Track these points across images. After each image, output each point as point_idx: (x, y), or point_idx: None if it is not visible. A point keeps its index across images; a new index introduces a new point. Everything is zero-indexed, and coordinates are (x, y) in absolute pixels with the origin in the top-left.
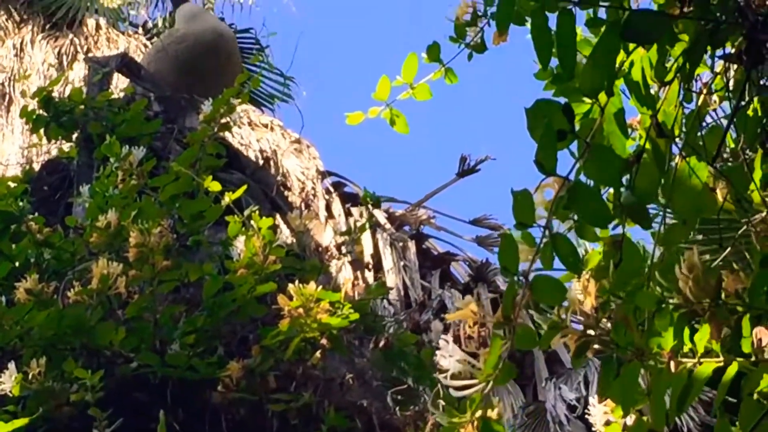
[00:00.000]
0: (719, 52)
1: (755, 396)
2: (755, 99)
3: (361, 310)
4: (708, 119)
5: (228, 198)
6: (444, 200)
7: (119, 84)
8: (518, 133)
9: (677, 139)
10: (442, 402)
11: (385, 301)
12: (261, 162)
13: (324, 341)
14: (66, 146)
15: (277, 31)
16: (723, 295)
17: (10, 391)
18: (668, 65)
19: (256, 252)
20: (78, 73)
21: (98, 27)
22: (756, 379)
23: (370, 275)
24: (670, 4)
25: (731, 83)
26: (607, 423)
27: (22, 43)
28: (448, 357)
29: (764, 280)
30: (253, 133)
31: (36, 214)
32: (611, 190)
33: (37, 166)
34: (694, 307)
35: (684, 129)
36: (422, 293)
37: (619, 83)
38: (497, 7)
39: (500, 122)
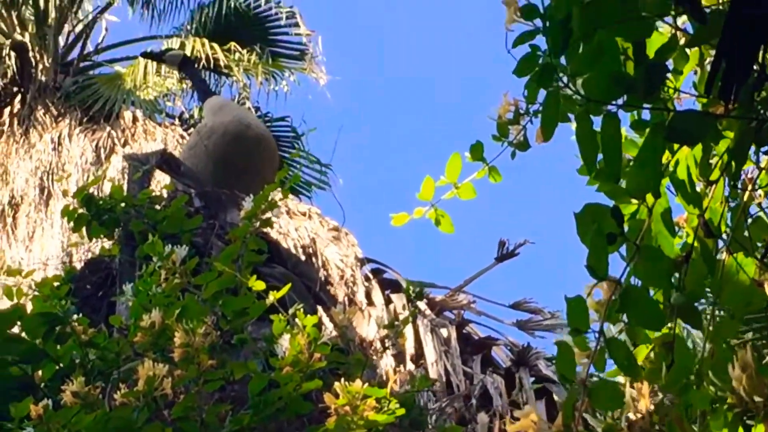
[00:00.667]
0: (764, 147)
1: None
2: None
3: (406, 405)
4: (753, 209)
5: (272, 297)
6: (483, 285)
7: (158, 177)
8: (556, 217)
9: (723, 235)
10: None
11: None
12: (300, 251)
13: None
14: (107, 244)
15: (311, 120)
16: None
17: None
18: (713, 161)
19: (302, 350)
20: (116, 165)
21: (135, 119)
22: None
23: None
24: (713, 103)
25: None
26: None
27: (59, 137)
28: None
29: None
30: (291, 221)
31: (80, 314)
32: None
33: (77, 261)
34: (749, 406)
35: (730, 224)
36: (464, 379)
37: (665, 182)
38: (542, 111)
39: (538, 206)
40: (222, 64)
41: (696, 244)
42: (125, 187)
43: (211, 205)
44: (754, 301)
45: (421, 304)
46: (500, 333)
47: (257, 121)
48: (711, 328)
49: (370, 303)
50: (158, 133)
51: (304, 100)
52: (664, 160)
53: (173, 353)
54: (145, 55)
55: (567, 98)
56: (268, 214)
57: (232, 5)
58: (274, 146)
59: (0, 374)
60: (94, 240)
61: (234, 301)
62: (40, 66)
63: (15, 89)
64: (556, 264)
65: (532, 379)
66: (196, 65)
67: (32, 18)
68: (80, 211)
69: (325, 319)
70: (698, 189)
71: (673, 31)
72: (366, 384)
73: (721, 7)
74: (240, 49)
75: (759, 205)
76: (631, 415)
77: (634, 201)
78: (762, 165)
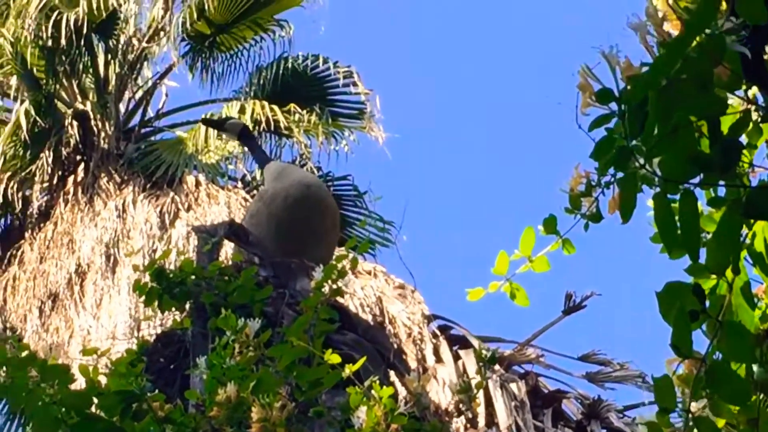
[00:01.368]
0: None
1: None
2: None
3: None
4: None
5: (348, 369)
6: (551, 338)
7: (225, 245)
8: (621, 267)
9: None
10: None
11: None
12: (366, 310)
13: None
14: (178, 316)
15: (371, 177)
16: None
17: None
18: None
19: (379, 421)
20: (180, 230)
21: (198, 183)
22: None
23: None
24: None
25: None
26: None
27: (124, 204)
28: None
29: None
30: (357, 280)
31: (155, 389)
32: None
33: (145, 331)
34: None
35: None
36: None
37: (743, 254)
38: (620, 193)
39: (603, 256)
40: (282, 125)
41: None
42: (194, 259)
43: (280, 273)
44: None
45: (487, 353)
46: (570, 386)
47: (317, 180)
48: None
49: (439, 360)
50: (221, 197)
51: (365, 158)
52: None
53: (250, 427)
54: (205, 122)
55: (641, 177)
56: (339, 283)
57: (290, 67)
58: (334, 204)
59: None
60: (165, 312)
61: (308, 371)
62: (102, 134)
63: (78, 158)
64: (623, 315)
65: (604, 431)
66: (255, 134)
67: (93, 86)
68: (151, 285)
69: (398, 383)
70: None
71: (745, 104)
72: None
73: None
74: (299, 110)
75: None
76: None
77: (714, 276)
78: None
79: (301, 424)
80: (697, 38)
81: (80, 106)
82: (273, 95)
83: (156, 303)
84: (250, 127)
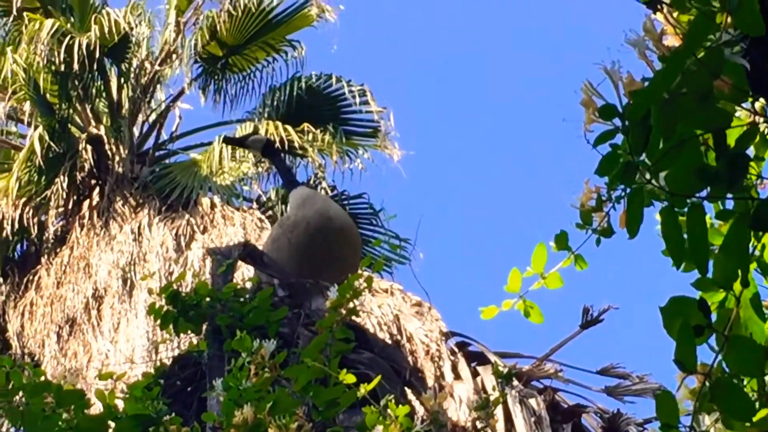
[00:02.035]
0: None
1: None
2: None
3: None
4: None
5: (363, 389)
6: (569, 352)
7: (239, 267)
8: (638, 280)
9: None
10: None
11: None
12: (384, 328)
13: None
14: (195, 338)
15: (386, 195)
16: None
17: None
18: None
19: None
20: (196, 252)
21: (213, 205)
22: None
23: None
24: None
25: None
26: None
27: (139, 227)
28: None
29: None
30: (373, 299)
31: (172, 412)
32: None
33: (163, 353)
34: None
35: None
36: None
37: (752, 266)
38: (627, 208)
39: (619, 270)
40: (296, 145)
41: None
42: (209, 281)
43: (296, 294)
44: None
45: (504, 370)
46: (589, 400)
47: (340, 210)
48: None
49: (457, 377)
50: (237, 218)
51: (379, 176)
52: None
53: None
54: (227, 140)
55: (650, 191)
56: (354, 303)
57: (303, 86)
58: (356, 234)
59: None
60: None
61: (325, 392)
62: (117, 157)
63: (93, 182)
64: (641, 327)
65: None
66: (279, 149)
67: (106, 110)
68: (166, 308)
69: (414, 400)
70: None
71: (752, 116)
72: None
73: None
74: (313, 129)
75: None
76: None
77: (722, 290)
78: None
79: None
80: (697, 51)
81: (94, 130)
82: (286, 115)
83: (171, 326)
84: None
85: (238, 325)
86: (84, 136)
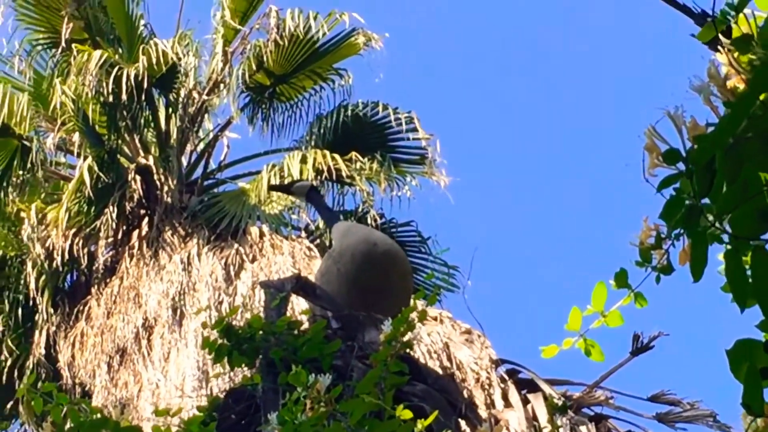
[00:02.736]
0: None
1: None
2: None
3: None
4: None
5: (420, 425)
6: (620, 379)
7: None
8: (688, 306)
9: None
10: None
11: None
12: (434, 357)
13: None
14: (248, 371)
15: (434, 222)
16: None
17: None
18: None
19: None
20: (246, 281)
21: (262, 234)
22: None
23: None
24: None
25: None
26: None
27: (189, 257)
28: None
29: None
30: (423, 327)
31: None
32: None
33: (213, 382)
34: None
35: None
36: None
37: None
38: (691, 252)
39: (670, 299)
40: (344, 174)
41: None
42: (262, 314)
43: (349, 327)
44: None
45: (559, 402)
46: (640, 427)
47: (384, 236)
48: None
49: (508, 405)
50: (285, 247)
51: (427, 203)
52: None
53: None
54: (272, 188)
55: (711, 234)
56: (409, 335)
57: (350, 114)
58: (404, 258)
59: None
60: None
61: (380, 425)
62: (165, 187)
63: (142, 212)
64: (692, 354)
65: None
66: (322, 194)
67: (154, 140)
68: (220, 341)
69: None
70: None
71: None
72: None
73: None
74: (360, 157)
75: None
76: None
77: None
78: None
79: None
80: (762, 96)
81: (143, 161)
82: (334, 143)
83: (225, 359)
84: (315, 182)
85: (291, 358)
86: (133, 166)
